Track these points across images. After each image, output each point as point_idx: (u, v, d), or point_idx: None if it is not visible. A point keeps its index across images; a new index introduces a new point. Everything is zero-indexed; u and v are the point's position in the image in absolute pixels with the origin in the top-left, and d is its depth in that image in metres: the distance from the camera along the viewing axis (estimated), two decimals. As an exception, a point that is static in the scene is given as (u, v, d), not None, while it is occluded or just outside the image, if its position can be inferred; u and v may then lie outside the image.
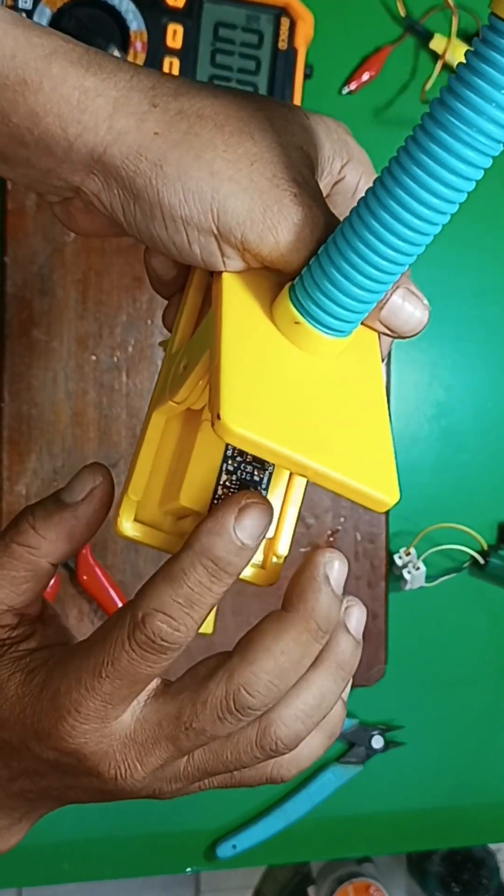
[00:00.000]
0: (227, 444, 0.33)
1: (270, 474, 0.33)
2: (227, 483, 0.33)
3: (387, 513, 0.67)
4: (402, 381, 0.70)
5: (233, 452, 0.33)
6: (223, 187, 0.29)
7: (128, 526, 0.33)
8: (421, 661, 0.71)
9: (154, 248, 0.31)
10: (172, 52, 0.61)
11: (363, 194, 0.27)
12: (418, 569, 0.67)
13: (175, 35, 0.61)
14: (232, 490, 0.33)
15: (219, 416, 0.26)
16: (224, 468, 0.33)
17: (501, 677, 0.72)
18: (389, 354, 0.68)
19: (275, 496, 0.34)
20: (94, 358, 0.63)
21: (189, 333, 0.34)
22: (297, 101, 0.63)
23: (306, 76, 0.63)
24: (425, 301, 0.32)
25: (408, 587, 0.67)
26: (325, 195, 0.33)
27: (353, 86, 0.67)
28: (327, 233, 0.29)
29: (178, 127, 0.29)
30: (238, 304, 0.30)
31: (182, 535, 0.33)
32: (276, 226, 0.29)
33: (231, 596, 0.65)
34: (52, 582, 0.62)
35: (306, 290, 0.29)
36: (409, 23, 0.68)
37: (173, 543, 0.34)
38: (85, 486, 0.33)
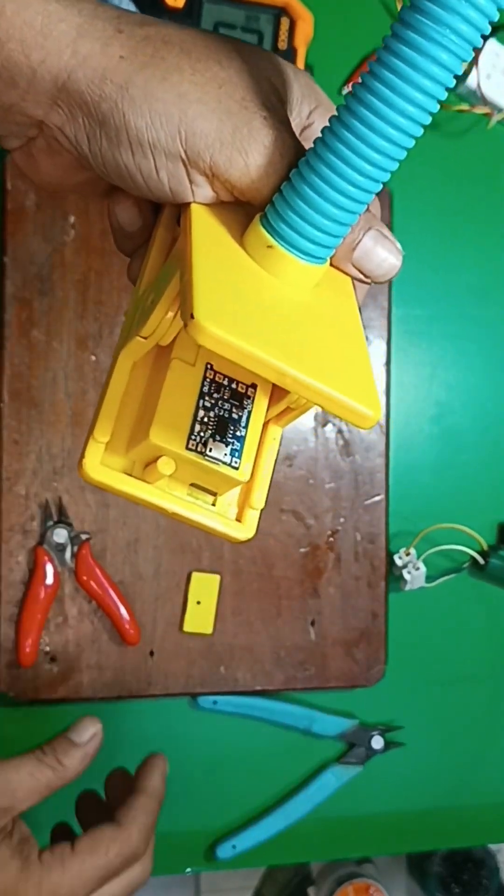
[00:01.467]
0: (204, 379, 0.32)
1: (249, 413, 0.33)
2: (205, 419, 0.32)
3: (387, 513, 0.67)
4: (402, 381, 0.70)
5: (209, 389, 0.32)
6: (191, 109, 0.28)
7: (94, 469, 0.31)
8: (421, 661, 0.71)
9: (120, 182, 0.30)
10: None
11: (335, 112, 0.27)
12: (418, 569, 0.67)
13: (175, 35, 0.61)
14: (210, 427, 0.32)
15: (192, 316, 0.25)
16: (201, 404, 0.32)
17: (501, 677, 0.72)
18: (388, 352, 0.68)
19: (250, 443, 0.33)
20: (93, 358, 0.63)
21: (156, 277, 0.33)
22: (296, 101, 0.63)
23: (306, 76, 0.63)
24: (398, 245, 0.31)
25: (408, 587, 0.67)
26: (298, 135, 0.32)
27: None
28: (296, 160, 0.29)
29: (143, 51, 0.28)
30: (208, 232, 0.29)
31: (150, 482, 0.32)
32: (246, 148, 0.28)
33: (231, 597, 0.65)
34: (52, 581, 0.62)
35: (278, 212, 0.28)
36: (408, 23, 0.68)
37: (141, 489, 0.32)
38: (88, 730, 0.49)
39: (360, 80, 0.26)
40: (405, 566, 0.67)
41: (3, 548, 0.62)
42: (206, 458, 0.31)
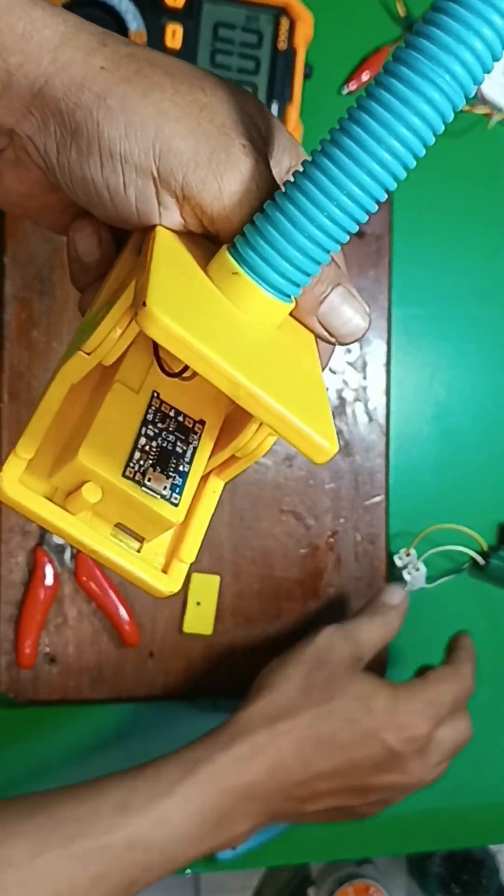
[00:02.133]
0: (149, 407, 0.30)
1: (195, 450, 0.30)
2: (147, 447, 0.29)
3: (387, 514, 0.67)
4: (402, 381, 0.70)
5: (154, 417, 0.30)
6: (168, 126, 0.27)
7: (10, 486, 0.29)
8: (421, 662, 0.71)
9: (86, 199, 0.29)
10: (172, 52, 0.61)
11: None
12: (418, 570, 0.67)
13: (174, 35, 0.61)
14: (151, 457, 0.29)
15: (144, 304, 0.23)
16: (143, 432, 0.29)
17: (501, 678, 0.72)
18: (388, 352, 0.68)
19: (189, 487, 0.31)
20: (93, 358, 0.63)
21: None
22: (296, 101, 0.63)
23: (306, 76, 0.63)
24: (366, 307, 0.30)
25: (408, 588, 0.67)
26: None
27: (353, 86, 0.67)
28: (270, 195, 0.28)
29: (127, 66, 0.28)
30: (171, 253, 0.27)
31: (72, 513, 0.29)
32: (222, 172, 0.27)
33: (231, 598, 0.65)
34: (51, 582, 0.61)
35: (247, 240, 0.27)
36: (409, 23, 0.68)
37: (60, 518, 0.29)
38: (398, 594, 0.62)
39: (345, 117, 0.26)
40: (405, 567, 0.67)
41: (2, 548, 0.62)
42: (144, 488, 0.29)
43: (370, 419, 0.67)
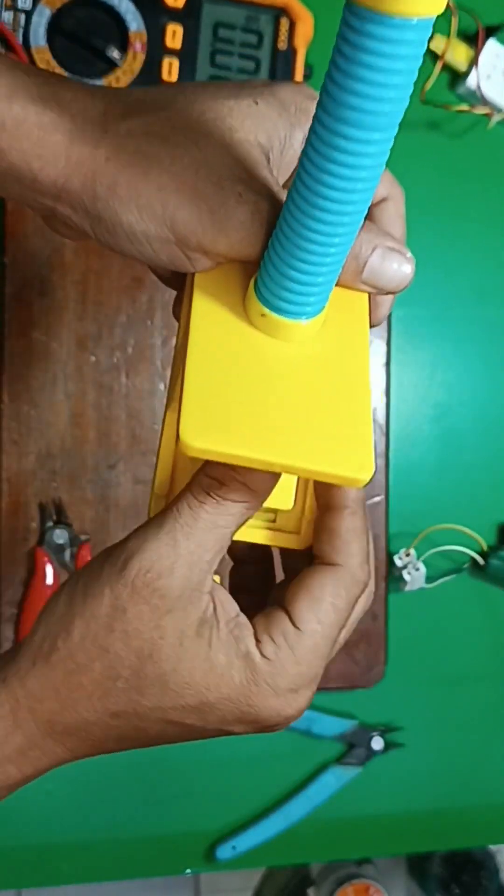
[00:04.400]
0: None
1: None
2: None
3: (387, 514, 0.67)
4: (402, 382, 0.70)
5: None
6: (171, 200, 0.30)
7: None
8: (421, 662, 0.71)
9: (131, 258, 0.33)
10: (172, 52, 0.61)
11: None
12: (418, 570, 0.67)
13: (174, 35, 0.61)
14: None
15: (179, 437, 0.27)
16: None
17: (501, 678, 0.72)
18: (388, 352, 0.68)
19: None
20: (93, 359, 0.63)
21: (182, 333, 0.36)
22: (296, 101, 0.63)
23: (306, 76, 0.63)
24: (408, 254, 0.31)
25: (407, 588, 0.67)
26: (293, 169, 0.33)
27: (352, 86, 0.67)
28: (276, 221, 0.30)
29: (126, 148, 0.31)
30: (210, 303, 0.31)
31: None
32: (226, 227, 0.30)
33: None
34: (52, 582, 0.61)
35: (263, 281, 0.29)
36: (408, 23, 0.68)
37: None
38: None
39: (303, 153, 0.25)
40: (405, 567, 0.67)
41: (2, 549, 0.62)
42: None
43: (370, 419, 0.67)
